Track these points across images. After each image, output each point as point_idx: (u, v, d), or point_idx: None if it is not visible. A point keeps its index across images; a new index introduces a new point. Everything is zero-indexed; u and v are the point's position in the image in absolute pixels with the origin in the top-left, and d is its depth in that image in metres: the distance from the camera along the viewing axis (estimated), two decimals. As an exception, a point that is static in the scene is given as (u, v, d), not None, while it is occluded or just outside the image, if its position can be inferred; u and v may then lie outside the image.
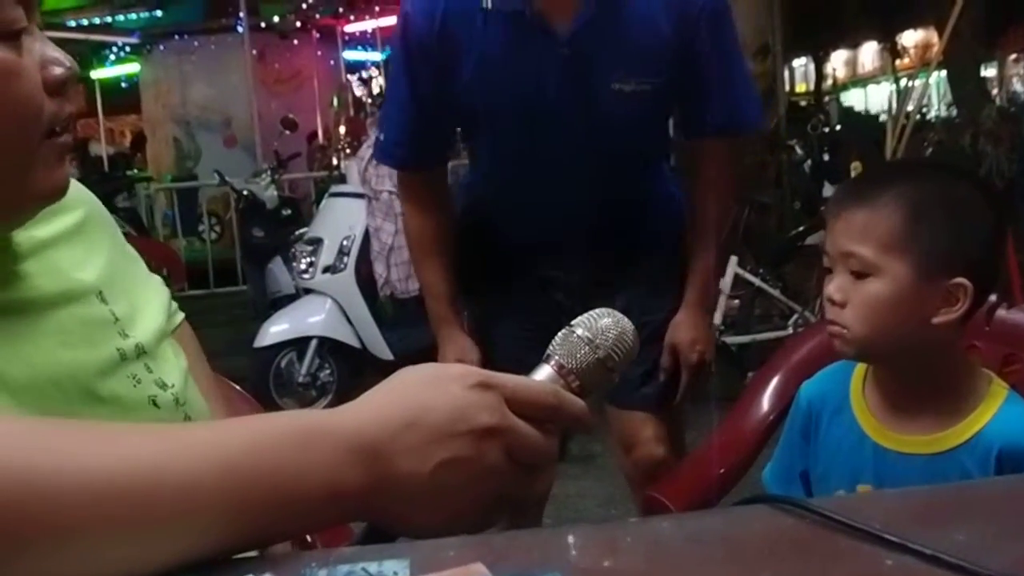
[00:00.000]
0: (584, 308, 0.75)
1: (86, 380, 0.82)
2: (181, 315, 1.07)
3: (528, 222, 1.82)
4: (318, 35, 11.11)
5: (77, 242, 0.92)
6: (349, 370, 4.56)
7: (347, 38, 11.59)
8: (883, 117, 9.69)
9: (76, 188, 0.93)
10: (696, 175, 1.83)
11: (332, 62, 11.45)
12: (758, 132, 4.79)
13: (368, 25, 11.08)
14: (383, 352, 4.54)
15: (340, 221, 4.75)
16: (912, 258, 1.09)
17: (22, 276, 0.83)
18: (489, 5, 1.64)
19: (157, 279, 1.05)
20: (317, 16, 10.70)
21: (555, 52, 1.64)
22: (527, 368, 0.73)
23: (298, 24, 10.60)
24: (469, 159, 2.08)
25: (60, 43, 0.80)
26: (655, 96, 1.72)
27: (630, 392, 1.85)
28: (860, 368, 1.22)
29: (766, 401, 1.52)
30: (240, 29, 9.85)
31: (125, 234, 1.03)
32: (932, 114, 12.94)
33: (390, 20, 11.20)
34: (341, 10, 10.83)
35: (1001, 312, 1.34)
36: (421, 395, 0.66)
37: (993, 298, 1.31)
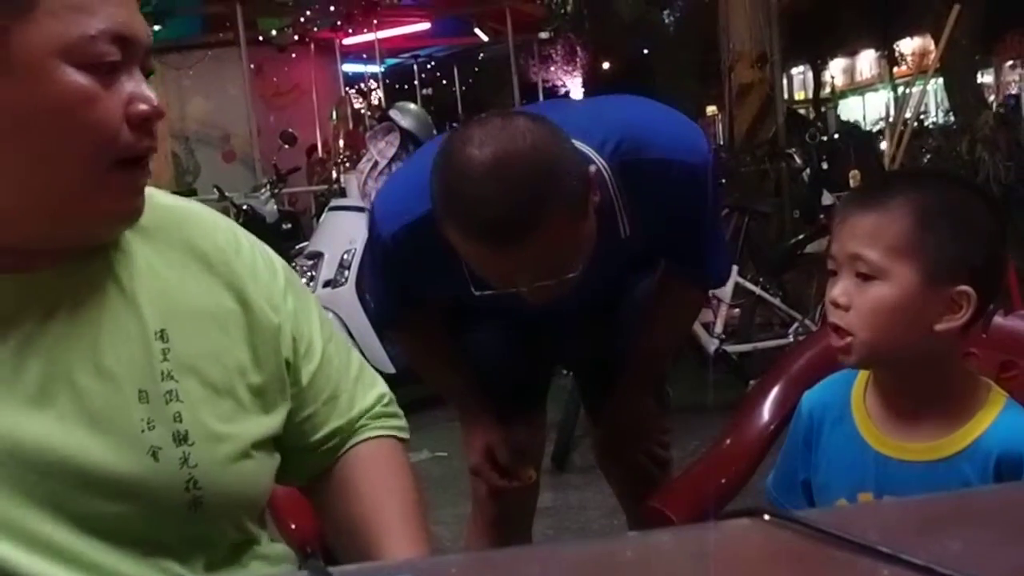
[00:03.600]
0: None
1: None
2: None
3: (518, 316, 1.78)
4: (316, 48, 11.12)
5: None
6: (350, 383, 4.56)
7: (345, 51, 11.61)
8: (880, 125, 9.69)
9: None
10: (657, 304, 1.76)
11: (331, 75, 11.46)
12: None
13: (367, 38, 11.10)
14: (385, 366, 4.54)
15: (340, 235, 4.75)
16: (919, 263, 1.10)
17: None
18: (475, 291, 1.46)
19: None
20: (315, 29, 10.69)
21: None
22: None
23: (296, 37, 10.61)
24: None
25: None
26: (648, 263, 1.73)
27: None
28: (861, 377, 1.23)
29: (767, 410, 1.53)
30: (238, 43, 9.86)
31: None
32: (930, 121, 12.97)
33: (388, 33, 11.24)
34: (339, 23, 10.84)
35: (998, 319, 1.34)
36: None
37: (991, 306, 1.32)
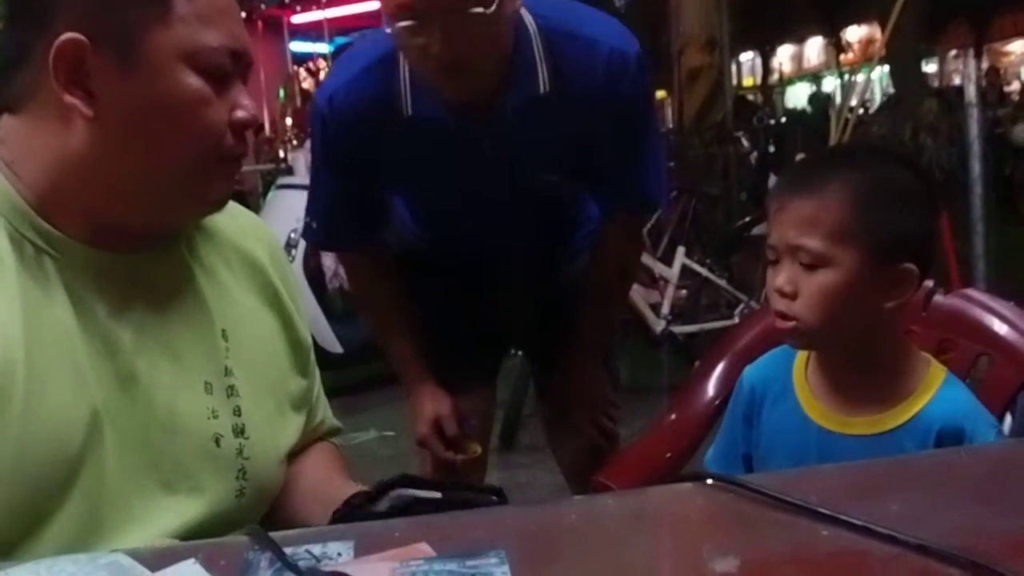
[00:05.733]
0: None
1: None
2: None
3: (460, 253, 1.81)
4: (263, 26, 10.95)
5: None
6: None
7: (293, 29, 11.45)
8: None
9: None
10: (599, 247, 1.79)
11: (278, 53, 11.30)
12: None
13: (314, 16, 10.95)
14: (332, 345, 4.51)
15: (287, 213, 4.69)
16: (862, 246, 1.10)
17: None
18: (410, 112, 1.54)
19: None
20: (262, 6, 10.54)
21: (480, 155, 1.58)
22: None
23: (243, 15, 10.45)
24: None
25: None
26: (583, 173, 1.72)
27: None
28: (803, 352, 1.24)
29: (711, 387, 1.54)
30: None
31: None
32: (875, 107, 13.17)
33: (337, 12, 11.10)
34: (287, 1, 10.69)
35: (938, 298, 1.37)
36: None
37: (930, 284, 1.34)
